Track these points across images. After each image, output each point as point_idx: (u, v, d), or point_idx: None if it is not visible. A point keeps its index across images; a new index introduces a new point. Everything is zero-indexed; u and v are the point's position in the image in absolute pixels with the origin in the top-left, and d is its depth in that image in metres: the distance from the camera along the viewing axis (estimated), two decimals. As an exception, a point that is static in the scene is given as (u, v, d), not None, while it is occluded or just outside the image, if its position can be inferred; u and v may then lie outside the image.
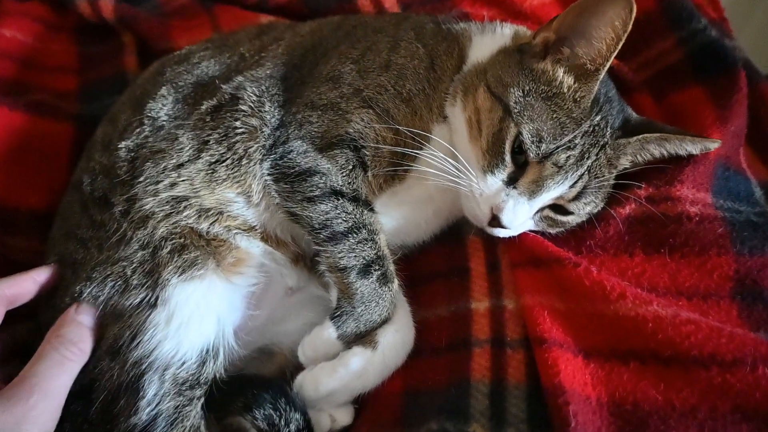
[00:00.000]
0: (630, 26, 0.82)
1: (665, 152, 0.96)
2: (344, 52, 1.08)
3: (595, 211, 0.98)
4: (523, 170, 0.92)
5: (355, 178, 1.00)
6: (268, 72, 1.09)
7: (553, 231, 0.99)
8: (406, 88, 1.01)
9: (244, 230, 1.03)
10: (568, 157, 0.89)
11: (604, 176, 0.93)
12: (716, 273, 0.91)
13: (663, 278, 0.93)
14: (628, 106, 1.01)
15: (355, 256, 0.96)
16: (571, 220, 0.97)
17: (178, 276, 0.92)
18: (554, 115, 0.89)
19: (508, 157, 0.91)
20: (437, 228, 1.10)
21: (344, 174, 0.99)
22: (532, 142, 0.89)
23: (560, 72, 0.91)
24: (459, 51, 1.03)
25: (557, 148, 0.88)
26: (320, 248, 0.98)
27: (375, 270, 0.96)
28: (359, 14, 1.33)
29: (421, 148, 0.99)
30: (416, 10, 1.33)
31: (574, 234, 0.99)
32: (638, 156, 0.97)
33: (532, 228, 0.99)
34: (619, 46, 0.84)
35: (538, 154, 0.89)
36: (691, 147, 0.94)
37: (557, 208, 0.96)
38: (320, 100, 1.03)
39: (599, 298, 0.87)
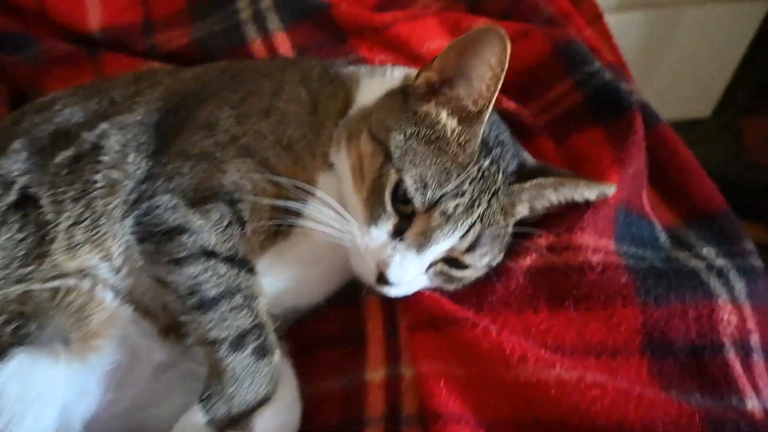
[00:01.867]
0: (506, 64, 0.77)
1: (563, 198, 0.90)
2: (224, 98, 0.98)
3: (494, 263, 0.90)
4: (410, 221, 0.83)
5: (231, 235, 0.89)
6: (138, 118, 0.97)
7: (450, 287, 0.91)
8: (286, 134, 0.92)
9: (108, 296, 0.89)
10: (457, 205, 0.81)
11: (499, 224, 0.86)
12: (623, 326, 0.84)
13: (570, 334, 0.85)
14: (524, 151, 0.95)
15: (227, 326, 0.83)
16: (468, 274, 0.89)
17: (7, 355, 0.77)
18: (439, 160, 0.82)
19: (389, 207, 0.83)
20: (331, 289, 1.00)
21: (218, 231, 0.88)
22: (416, 189, 0.81)
23: (443, 114, 0.84)
24: (345, 94, 0.96)
25: (444, 195, 0.81)
26: (188, 318, 0.85)
27: (250, 341, 0.83)
28: (250, 59, 1.25)
29: (305, 201, 0.89)
30: (312, 56, 1.27)
31: (475, 289, 0.91)
32: (535, 203, 0.91)
33: (428, 285, 0.90)
34: (499, 85, 0.78)
35: (424, 202, 0.81)
36: (587, 192, 0.89)
37: (452, 261, 0.88)
38: (193, 149, 0.92)
39: (499, 363, 0.78)
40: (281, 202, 0.89)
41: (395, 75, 1.00)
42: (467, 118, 0.83)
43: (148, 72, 1.17)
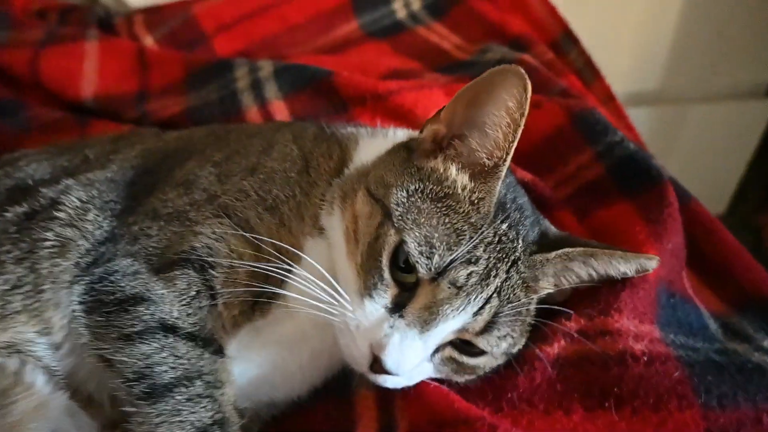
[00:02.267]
0: (527, 107, 0.66)
1: (594, 273, 0.76)
2: (208, 156, 0.88)
3: (515, 349, 0.74)
4: (412, 294, 0.69)
5: (199, 308, 0.74)
6: (108, 175, 0.87)
7: (461, 379, 0.74)
8: (272, 193, 0.80)
9: (39, 379, 0.73)
10: (470, 273, 0.67)
11: (519, 301, 0.71)
12: (681, 436, 0.66)
13: (612, 444, 0.67)
14: (545, 219, 0.82)
15: (180, 422, 0.66)
16: (483, 363, 0.73)
17: None
18: (447, 220, 0.69)
19: (387, 275, 0.69)
20: (315, 379, 0.83)
21: (182, 302, 0.73)
22: (420, 253, 0.67)
23: (453, 169, 0.73)
24: (341, 153, 0.85)
25: (453, 261, 0.67)
26: (132, 410, 0.68)
27: None
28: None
29: (288, 269, 0.75)
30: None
31: (491, 383, 0.74)
32: (562, 278, 0.76)
33: (433, 375, 0.73)
34: (518, 134, 0.67)
35: (430, 268, 0.67)
36: (623, 266, 0.75)
37: (463, 345, 0.72)
38: (165, 208, 0.80)
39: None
40: (261, 266, 0.74)
41: (398, 135, 0.90)
42: (481, 174, 0.71)
43: (130, 132, 1.09)
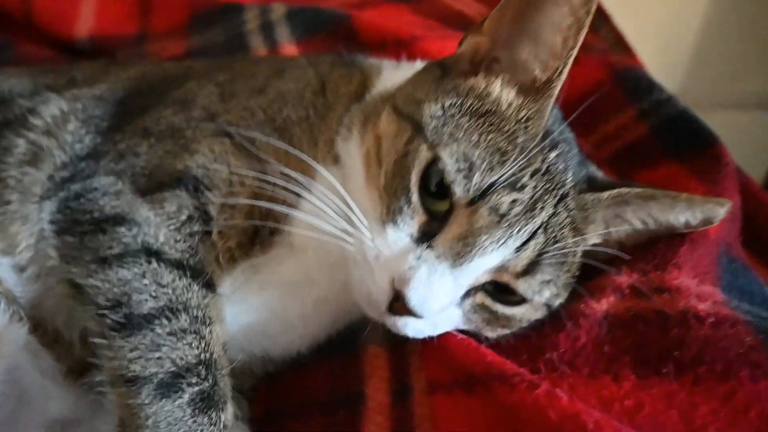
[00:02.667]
0: (593, 5, 0.56)
1: (650, 221, 0.66)
2: (210, 76, 0.78)
3: (556, 303, 0.63)
4: (443, 223, 0.58)
5: (189, 235, 0.64)
6: (97, 93, 0.77)
7: (492, 333, 0.63)
8: (282, 113, 0.70)
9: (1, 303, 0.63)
10: (514, 201, 0.57)
11: (566, 243, 0.61)
12: (753, 410, 0.56)
13: (671, 417, 0.57)
14: (591, 163, 0.72)
15: (158, 359, 0.55)
16: (520, 314, 0.62)
17: None
18: (490, 138, 0.59)
19: (415, 196, 0.59)
20: (320, 332, 0.72)
21: (171, 226, 0.63)
22: (459, 170, 0.57)
23: (497, 85, 0.62)
24: (362, 78, 0.75)
25: (495, 184, 0.56)
26: (103, 342, 0.57)
27: (190, 385, 0.55)
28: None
29: (297, 197, 0.64)
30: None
31: (527, 341, 0.64)
32: (612, 226, 0.66)
33: (460, 326, 0.63)
34: (580, 39, 0.57)
35: (468, 189, 0.57)
36: (687, 213, 0.64)
37: (498, 293, 0.61)
38: (157, 125, 0.70)
39: (577, 445, 0.49)
40: (264, 204, 0.64)
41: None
42: (531, 89, 0.61)
43: (124, 59, 0.98)
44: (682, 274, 0.64)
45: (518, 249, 0.58)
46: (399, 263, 0.57)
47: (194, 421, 0.53)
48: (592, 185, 0.66)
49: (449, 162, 0.57)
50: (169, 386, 0.54)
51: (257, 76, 0.76)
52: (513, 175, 0.57)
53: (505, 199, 0.57)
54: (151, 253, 0.61)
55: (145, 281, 0.59)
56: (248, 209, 0.66)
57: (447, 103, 0.61)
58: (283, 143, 0.66)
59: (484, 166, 0.57)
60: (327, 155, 0.68)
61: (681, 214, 0.64)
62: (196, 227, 0.64)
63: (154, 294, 0.58)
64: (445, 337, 0.62)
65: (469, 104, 0.61)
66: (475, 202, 0.57)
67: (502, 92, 0.62)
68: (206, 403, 0.55)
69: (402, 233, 0.59)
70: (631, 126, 0.93)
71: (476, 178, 0.56)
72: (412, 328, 0.59)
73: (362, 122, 0.68)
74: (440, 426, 0.57)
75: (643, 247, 0.68)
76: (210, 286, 0.63)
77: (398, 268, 0.57)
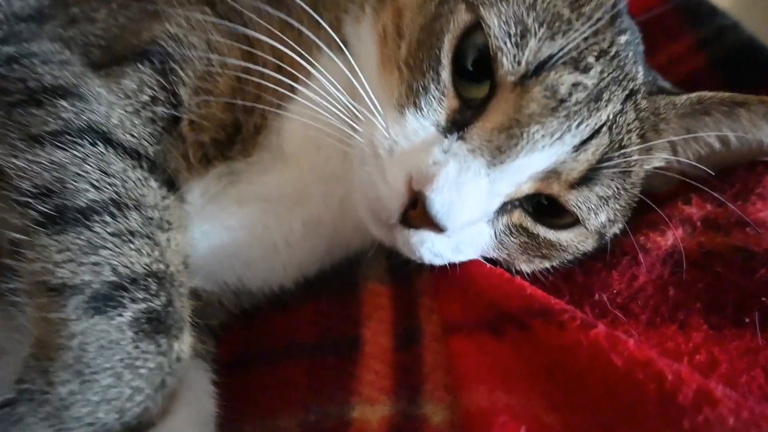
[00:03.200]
0: None
1: (733, 139, 0.52)
2: None
3: (612, 231, 0.50)
4: (481, 111, 0.45)
5: (151, 120, 0.50)
6: None
7: (527, 266, 0.50)
8: None
9: None
10: (577, 84, 0.44)
11: (633, 151, 0.48)
12: None
13: (755, 378, 0.44)
14: (656, 73, 0.59)
15: (95, 264, 0.42)
16: (568, 240, 0.49)
17: None
18: (548, 3, 0.45)
19: (446, 72, 0.45)
20: (309, 262, 0.59)
21: (130, 107, 0.50)
22: (508, 36, 0.44)
23: None
24: None
25: (555, 57, 0.43)
26: (24, 239, 0.43)
27: (134, 300, 0.41)
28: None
29: (291, 86, 0.50)
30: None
31: (571, 279, 0.51)
32: (683, 145, 0.53)
33: (489, 253, 0.49)
34: None
35: (520, 60, 0.43)
36: None
37: (541, 212, 0.48)
38: None
39: (653, 401, 0.36)
40: (250, 91, 0.50)
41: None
42: None
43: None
44: (767, 206, 0.51)
45: (577, 149, 0.44)
46: (420, 157, 0.43)
47: (136, 347, 0.40)
48: (663, 90, 0.53)
49: (495, 25, 0.43)
50: (106, 299, 0.41)
51: None
52: (577, 49, 0.44)
53: (566, 79, 0.43)
54: (99, 134, 0.47)
55: (87, 167, 0.45)
56: (229, 96, 0.52)
57: None
58: (281, 13, 0.52)
59: (542, 32, 0.43)
60: (331, 39, 0.54)
61: None
62: (161, 111, 0.50)
63: (96, 184, 0.44)
64: (467, 267, 0.49)
65: None
66: (527, 79, 0.43)
67: None
68: (155, 325, 0.41)
69: (426, 121, 0.45)
70: (687, 57, 0.79)
71: (532, 44, 0.43)
72: (429, 248, 0.46)
73: None
74: (458, 376, 0.44)
75: (717, 177, 0.54)
76: (172, 188, 0.49)
77: (419, 164, 0.43)
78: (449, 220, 0.42)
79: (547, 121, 0.43)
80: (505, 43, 0.43)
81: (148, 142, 0.49)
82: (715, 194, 0.52)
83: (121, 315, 0.41)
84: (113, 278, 0.41)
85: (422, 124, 0.45)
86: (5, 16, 0.54)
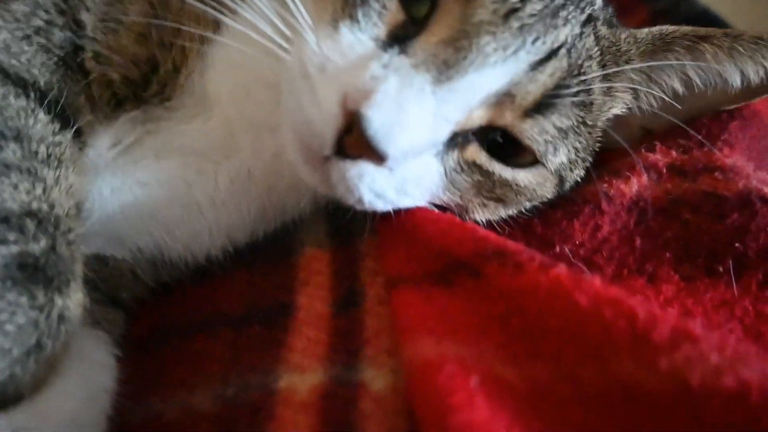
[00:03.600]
0: None
1: (696, 78, 0.49)
2: None
3: (572, 175, 0.46)
4: (425, 24, 0.40)
5: (45, 48, 0.44)
6: None
7: (482, 212, 0.45)
8: None
9: None
10: None
11: (590, 79, 0.43)
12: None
13: (733, 331, 0.40)
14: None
15: None
16: (525, 181, 0.44)
17: None
18: None
19: None
20: (238, 227, 0.52)
21: (19, 32, 0.44)
22: None
23: None
24: None
25: None
26: None
27: (4, 242, 0.34)
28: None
29: (218, 12, 0.44)
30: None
31: (529, 230, 0.46)
32: (644, 86, 0.49)
33: (439, 196, 0.44)
34: None
35: None
36: (750, 65, 0.46)
37: (497, 148, 0.43)
38: None
39: (624, 339, 0.31)
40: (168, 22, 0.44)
41: None
42: None
43: None
44: (734, 153, 0.48)
45: (533, 68, 0.40)
46: (356, 73, 0.38)
47: (0, 297, 0.32)
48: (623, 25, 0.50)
49: None
50: (-32, 241, 0.33)
51: None
52: None
53: None
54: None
55: None
56: (142, 27, 0.45)
57: None
58: None
59: None
60: None
61: (742, 63, 0.47)
62: (58, 37, 0.43)
63: (-37, 110, 0.37)
64: (413, 213, 0.43)
65: None
66: None
67: None
68: (29, 273, 0.34)
69: (363, 34, 0.40)
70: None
71: None
72: (369, 184, 0.40)
73: None
74: (402, 329, 0.37)
75: (679, 126, 0.51)
76: (69, 123, 0.42)
77: (354, 80, 0.38)
78: (390, 144, 0.37)
79: (499, 31, 0.39)
80: None
81: (38, 70, 0.42)
82: (679, 141, 0.48)
83: (-13, 257, 0.33)
84: (-23, 217, 0.34)
85: (359, 38, 0.40)
86: None
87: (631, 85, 0.48)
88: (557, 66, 0.41)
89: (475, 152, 0.43)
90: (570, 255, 0.43)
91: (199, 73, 0.47)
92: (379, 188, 0.40)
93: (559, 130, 0.42)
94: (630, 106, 0.50)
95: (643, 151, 0.48)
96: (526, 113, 0.41)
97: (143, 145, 0.48)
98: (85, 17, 0.44)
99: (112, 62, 0.45)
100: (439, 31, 0.39)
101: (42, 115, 0.40)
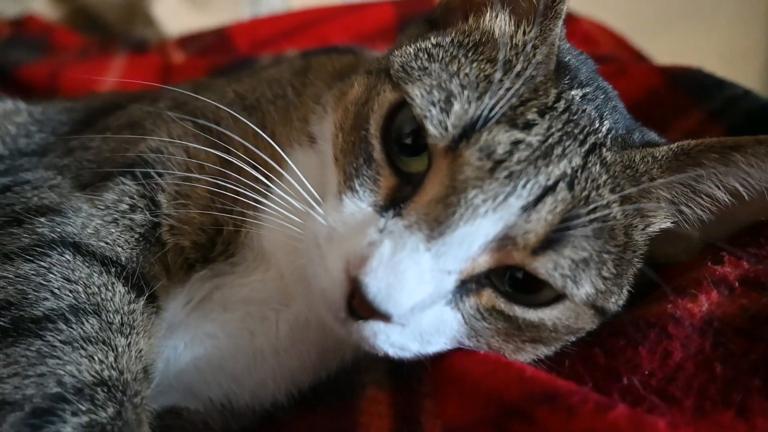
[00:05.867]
0: None
1: (741, 189, 0.45)
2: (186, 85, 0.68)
3: (609, 303, 0.44)
4: (419, 185, 0.43)
5: (129, 228, 0.50)
6: (68, 104, 0.69)
7: (521, 355, 0.43)
8: (255, 93, 0.58)
9: None
10: (517, 142, 0.41)
11: (605, 204, 0.42)
12: None
13: None
14: (651, 132, 0.55)
15: (41, 376, 0.38)
16: (553, 319, 0.42)
17: None
18: (476, 66, 0.45)
19: (378, 150, 0.44)
20: (301, 371, 0.53)
21: (108, 217, 0.50)
22: (432, 104, 0.42)
23: (487, 16, 0.49)
24: (352, 61, 0.64)
25: (488, 116, 0.41)
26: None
27: (75, 414, 0.37)
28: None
29: (265, 187, 0.50)
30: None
31: (589, 362, 0.43)
32: (684, 206, 0.47)
33: (465, 342, 0.43)
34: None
35: (446, 125, 0.41)
36: None
37: (517, 289, 0.42)
38: (117, 120, 0.60)
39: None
40: (229, 185, 0.50)
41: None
42: (532, 11, 0.47)
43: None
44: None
45: (526, 209, 0.40)
46: (356, 240, 0.40)
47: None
48: (648, 143, 0.49)
49: (418, 95, 0.43)
50: (45, 414, 0.36)
51: (241, 79, 0.66)
52: (512, 107, 0.41)
53: (501, 138, 0.41)
54: (70, 244, 0.46)
55: (50, 276, 0.43)
56: (207, 199, 0.51)
57: (423, 44, 0.48)
58: (249, 121, 0.53)
59: (467, 93, 0.42)
60: (300, 134, 0.55)
61: None
62: (140, 218, 0.50)
63: (56, 291, 0.43)
64: (459, 357, 0.42)
65: (450, 39, 0.48)
66: (458, 143, 0.41)
67: (495, 20, 0.48)
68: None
69: (362, 202, 0.43)
70: (702, 130, 0.75)
71: (457, 107, 0.41)
72: (385, 339, 0.41)
73: (337, 98, 0.54)
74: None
75: (747, 233, 0.47)
76: (143, 291, 0.47)
77: (354, 247, 0.40)
78: (390, 306, 0.38)
79: (486, 184, 0.40)
80: (430, 111, 0.42)
81: (121, 248, 0.48)
82: (748, 249, 0.45)
83: (58, 431, 0.36)
84: (56, 389, 0.37)
85: (359, 207, 0.43)
86: (10, 152, 0.57)
87: (667, 199, 0.46)
88: (557, 201, 0.41)
89: (492, 298, 0.42)
90: (640, 387, 0.39)
91: (256, 233, 0.52)
92: (397, 342, 0.41)
93: (575, 261, 0.41)
94: (675, 220, 0.47)
95: (709, 264, 0.45)
96: (535, 251, 0.41)
97: (212, 299, 0.52)
98: (161, 197, 0.51)
99: (183, 232, 0.51)
100: (431, 189, 0.41)
101: (120, 287, 0.45)
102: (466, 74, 0.44)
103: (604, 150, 0.45)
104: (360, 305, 0.39)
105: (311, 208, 0.44)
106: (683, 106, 0.80)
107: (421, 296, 0.39)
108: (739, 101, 0.75)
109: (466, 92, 0.42)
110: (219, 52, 1.42)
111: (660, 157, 0.46)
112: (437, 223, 0.39)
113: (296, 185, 0.47)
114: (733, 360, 0.40)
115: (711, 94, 0.78)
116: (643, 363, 0.41)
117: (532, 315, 0.42)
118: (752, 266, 0.44)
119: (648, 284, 0.46)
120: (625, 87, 0.85)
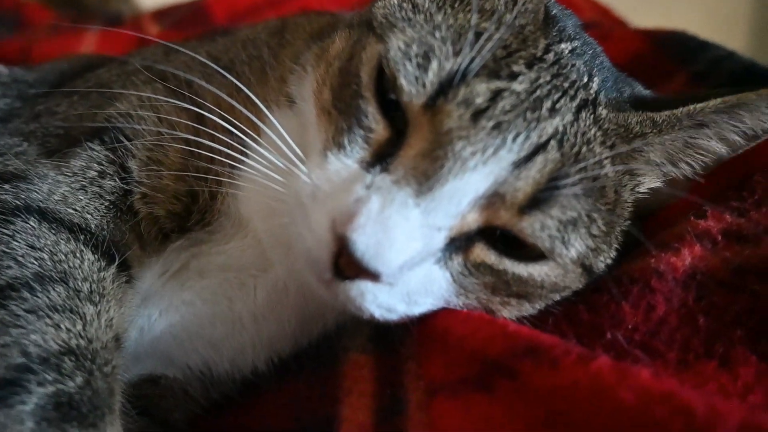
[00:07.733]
0: None
1: (739, 139, 0.45)
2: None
3: (598, 262, 0.43)
4: (402, 140, 0.41)
5: (98, 195, 0.48)
6: (35, 67, 0.66)
7: (508, 311, 0.43)
8: (230, 53, 0.56)
9: None
10: (499, 92, 0.40)
11: (597, 162, 0.41)
12: None
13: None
14: (641, 86, 0.54)
15: (3, 347, 0.37)
16: (542, 275, 0.42)
17: None
18: (462, 17, 0.43)
19: (372, 106, 0.42)
20: (280, 338, 0.52)
21: (76, 184, 0.48)
22: (407, 57, 0.41)
23: None
24: (330, 21, 0.61)
25: (466, 69, 0.39)
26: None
27: (41, 383, 0.36)
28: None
29: (242, 149, 0.48)
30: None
31: (573, 318, 0.42)
32: (679, 159, 0.46)
33: (454, 300, 0.42)
34: None
35: (423, 83, 0.40)
36: None
37: (504, 245, 0.41)
38: (85, 82, 0.58)
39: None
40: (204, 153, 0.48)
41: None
42: None
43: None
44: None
45: (518, 165, 0.39)
46: (342, 197, 0.39)
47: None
48: (641, 105, 0.48)
49: (393, 47, 0.41)
50: (10, 385, 0.35)
51: (215, 40, 0.64)
52: (496, 59, 0.40)
53: (481, 88, 0.39)
54: (35, 211, 0.44)
55: (15, 243, 0.42)
56: (181, 165, 0.50)
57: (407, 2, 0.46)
58: (224, 82, 0.51)
59: (446, 48, 0.40)
60: (279, 96, 0.53)
61: None
62: (109, 184, 0.48)
63: (20, 259, 0.41)
64: (443, 316, 0.42)
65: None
66: (434, 100, 0.39)
67: None
68: (64, 412, 0.35)
69: (348, 159, 0.42)
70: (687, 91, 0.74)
71: (434, 63, 0.40)
72: (373, 300, 0.40)
73: (318, 56, 0.52)
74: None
75: (728, 182, 0.47)
76: (114, 259, 0.45)
77: (339, 204, 0.39)
78: (379, 262, 0.37)
79: (472, 135, 0.38)
80: (404, 65, 0.40)
81: (90, 215, 0.46)
82: (731, 203, 0.44)
83: (23, 402, 0.35)
84: (20, 360, 0.36)
85: (345, 163, 0.41)
86: None
87: (662, 157, 0.46)
88: (546, 159, 0.40)
89: (483, 253, 0.41)
90: (624, 342, 0.39)
91: (233, 197, 0.50)
92: (384, 303, 0.40)
93: (566, 222, 0.40)
94: (664, 179, 0.47)
95: (692, 218, 0.44)
96: (522, 210, 0.40)
97: (188, 268, 0.51)
98: (132, 164, 0.49)
99: (157, 201, 0.49)
100: (416, 143, 0.40)
101: (89, 255, 0.43)
102: (450, 25, 0.42)
103: (599, 107, 0.44)
104: (347, 264, 0.38)
105: (294, 165, 0.43)
106: (667, 68, 0.79)
107: (410, 253, 0.38)
108: (723, 62, 0.74)
109: (447, 45, 0.41)
110: (195, 24, 1.38)
111: (660, 121, 0.45)
112: (425, 178, 0.38)
113: (279, 142, 0.45)
114: (716, 312, 0.39)
115: (695, 57, 0.77)
116: (626, 318, 0.40)
117: (521, 269, 0.41)
118: (735, 219, 0.43)
119: (631, 242, 0.46)
120: (608, 51, 0.83)
